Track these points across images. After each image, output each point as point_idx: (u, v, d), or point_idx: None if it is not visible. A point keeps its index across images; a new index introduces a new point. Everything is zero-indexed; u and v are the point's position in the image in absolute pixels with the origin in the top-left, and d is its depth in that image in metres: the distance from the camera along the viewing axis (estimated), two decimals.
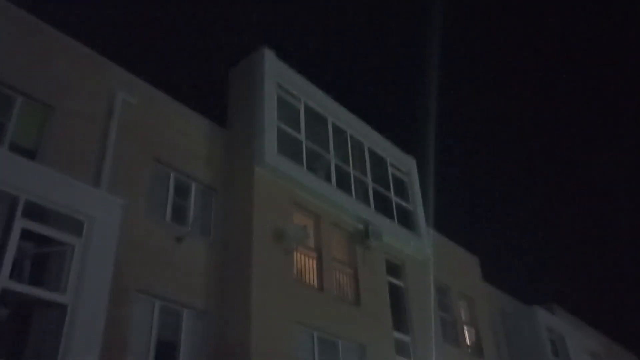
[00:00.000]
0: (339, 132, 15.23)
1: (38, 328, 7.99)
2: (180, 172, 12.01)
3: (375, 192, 15.57)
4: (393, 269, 15.39)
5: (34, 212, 8.11)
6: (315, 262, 13.02)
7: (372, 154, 16.26)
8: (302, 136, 13.74)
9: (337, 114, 15.30)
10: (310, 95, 14.57)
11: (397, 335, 14.24)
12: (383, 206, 15.67)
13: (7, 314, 7.84)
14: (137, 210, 10.51)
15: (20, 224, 7.86)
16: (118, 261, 8.93)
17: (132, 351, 9.62)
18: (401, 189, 16.96)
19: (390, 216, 15.76)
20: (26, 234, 7.93)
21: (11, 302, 7.76)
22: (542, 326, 20.68)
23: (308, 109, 14.36)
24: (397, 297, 15.00)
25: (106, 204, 9.13)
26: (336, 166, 14.46)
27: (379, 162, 16.45)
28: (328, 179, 14.07)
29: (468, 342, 17.54)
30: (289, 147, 13.16)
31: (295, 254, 12.42)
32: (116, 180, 10.38)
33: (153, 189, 11.32)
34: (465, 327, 17.70)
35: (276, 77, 13.65)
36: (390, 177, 16.62)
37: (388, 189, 16.32)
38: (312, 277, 12.81)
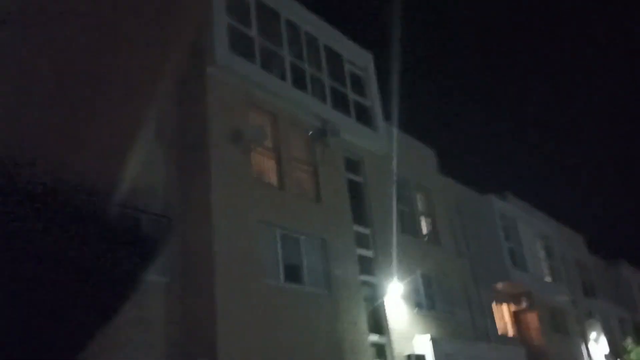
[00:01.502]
0: (292, 27, 14.74)
1: None
2: None
3: (332, 89, 15.42)
4: (352, 165, 15.59)
5: None
6: (274, 161, 13.05)
7: (328, 50, 15.90)
8: (254, 33, 13.27)
9: (290, 8, 14.75)
10: None
11: (357, 228, 14.69)
12: (341, 103, 15.59)
13: None
14: None
15: None
16: None
17: None
18: (358, 85, 16.82)
19: (348, 113, 15.73)
20: None
21: None
22: (496, 213, 21.62)
23: (259, 4, 13.76)
24: (356, 193, 15.32)
25: None
26: (291, 63, 14.15)
27: (335, 58, 16.15)
28: (283, 77, 13.80)
29: (425, 232, 18.28)
30: (241, 45, 12.74)
31: (253, 154, 12.40)
32: None
33: None
34: (422, 218, 18.36)
35: None
36: (347, 74, 16.41)
37: (345, 85, 16.16)
38: (272, 177, 12.90)
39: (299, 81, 14.19)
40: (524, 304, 22.46)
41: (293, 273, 12.24)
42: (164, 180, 11.24)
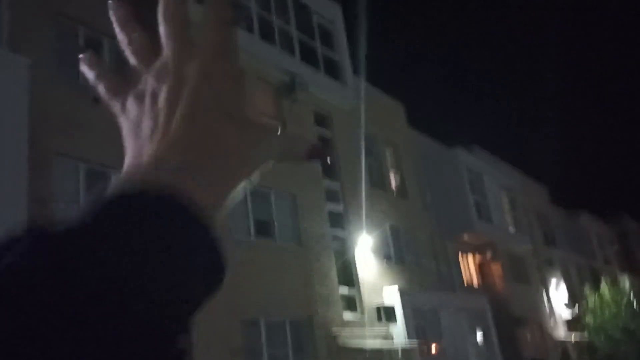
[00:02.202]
0: None
1: None
2: (89, 26, 11.10)
3: (300, 42, 15.16)
4: (321, 120, 15.51)
5: None
6: None
7: (295, 1, 15.55)
8: None
9: None
10: None
11: (327, 183, 14.74)
12: (309, 57, 15.37)
13: None
14: (45, 71, 9.78)
15: None
16: (33, 126, 8.47)
17: (60, 216, 9.48)
18: (327, 38, 16.57)
19: (317, 67, 15.54)
20: None
21: None
22: (462, 166, 21.94)
23: None
24: (325, 147, 15.28)
25: (11, 64, 8.45)
26: (258, 15, 13.81)
27: (303, 10, 15.81)
28: (250, 29, 13.48)
29: (394, 186, 18.46)
30: None
31: None
32: (17, 41, 9.48)
33: (60, 47, 10.48)
34: (391, 172, 18.51)
35: None
36: (316, 26, 16.13)
37: (314, 38, 15.90)
38: None
39: (266, 34, 13.90)
40: (488, 255, 23.11)
41: (263, 228, 12.28)
42: None
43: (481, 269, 23.13)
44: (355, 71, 17.04)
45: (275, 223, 12.57)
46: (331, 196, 14.77)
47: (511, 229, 25.23)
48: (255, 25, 13.60)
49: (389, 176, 18.30)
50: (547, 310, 26.90)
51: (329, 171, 15.08)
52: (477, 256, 23.17)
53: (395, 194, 18.28)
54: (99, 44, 11.28)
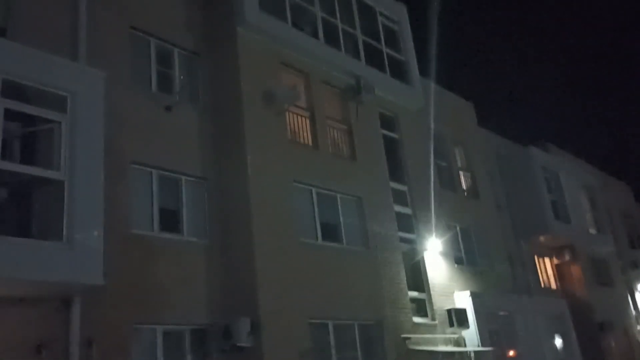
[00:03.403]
0: None
1: (39, 206, 8.18)
2: (161, 38, 11.56)
3: (365, 45, 15.11)
4: (387, 122, 15.39)
5: (14, 91, 7.93)
6: (308, 120, 12.98)
7: (360, 3, 15.52)
8: None
9: None
10: None
11: (394, 185, 14.59)
12: (374, 59, 15.28)
13: (7, 194, 8.00)
14: (121, 82, 10.26)
15: (2, 104, 7.72)
16: (108, 135, 8.89)
17: (136, 220, 9.91)
18: (392, 39, 16.42)
19: (382, 68, 15.43)
20: (10, 114, 7.83)
21: (8, 182, 7.87)
22: (537, 165, 21.14)
23: None
24: (393, 149, 15.16)
25: (87, 77, 8.91)
26: (323, 20, 13.88)
27: (367, 12, 15.76)
28: (315, 34, 13.57)
29: (464, 187, 18.04)
30: (271, 4, 12.54)
31: (287, 114, 12.35)
32: (94, 53, 10.01)
33: (134, 59, 10.96)
34: (461, 172, 18.10)
35: None
36: (381, 28, 16.02)
37: (379, 40, 15.80)
38: (306, 136, 12.85)
39: (331, 38, 13.95)
40: (567, 257, 22.16)
41: (330, 231, 12.30)
42: (200, 142, 11.34)
43: (559, 271, 22.19)
44: (423, 71, 16.82)
45: (342, 226, 12.55)
46: (399, 198, 14.60)
47: (592, 230, 24.06)
48: (320, 30, 13.67)
49: (459, 177, 17.89)
50: (634, 314, 25.44)
51: (397, 173, 14.93)
52: (555, 258, 22.26)
53: (466, 195, 17.85)
54: (169, 55, 11.72)
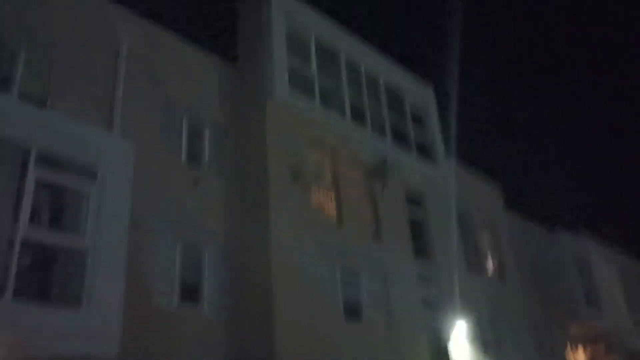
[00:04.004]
0: (352, 65, 14.85)
1: (62, 273, 8.20)
2: (193, 112, 11.92)
3: (392, 124, 15.32)
4: (413, 201, 15.32)
5: (48, 160, 8.17)
6: (333, 197, 13.00)
7: (388, 85, 15.90)
8: (314, 70, 13.45)
9: (349, 47, 14.89)
10: (321, 28, 14.16)
11: (419, 265, 14.32)
12: (401, 138, 15.45)
13: (30, 261, 8.06)
14: (151, 153, 10.52)
15: (34, 173, 7.95)
16: (136, 205, 9.03)
17: (157, 291, 9.84)
18: (419, 119, 16.66)
19: (409, 148, 15.56)
20: (42, 183, 8.03)
21: (33, 249, 7.95)
22: (567, 250, 20.63)
23: (319, 43, 13.98)
24: (418, 229, 15.00)
25: (119, 148, 9.16)
26: (350, 99, 14.20)
27: (394, 93, 16.10)
28: (343, 113, 13.85)
29: (491, 270, 17.62)
30: (301, 83, 12.92)
31: (313, 190, 12.41)
32: (128, 125, 10.35)
33: (166, 131, 11.29)
34: (488, 255, 17.73)
35: (285, 10, 13.26)
36: (407, 108, 16.30)
37: (405, 120, 16.03)
38: (331, 212, 12.82)
39: (358, 117, 14.21)
40: (601, 348, 21.12)
41: (353, 310, 12.01)
42: (225, 215, 11.40)
43: None
44: (449, 151, 16.89)
45: (366, 305, 12.25)
46: (424, 278, 14.28)
47: (628, 320, 23.01)
48: (348, 109, 13.95)
49: (486, 259, 17.51)
50: None
51: (422, 253, 14.69)
52: (589, 349, 21.22)
53: (493, 278, 17.39)
54: (200, 127, 12.04)
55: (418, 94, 16.93)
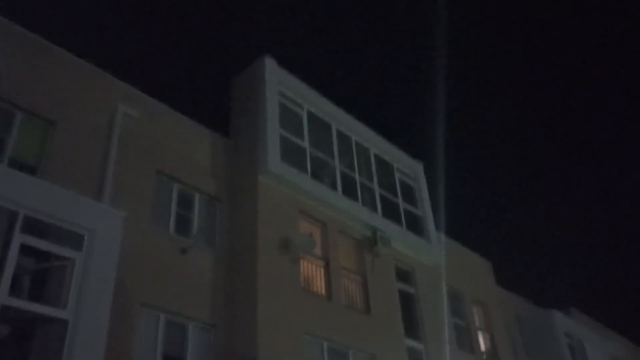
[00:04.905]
0: (343, 138, 15.09)
1: (40, 344, 7.87)
2: (184, 183, 11.92)
3: (382, 198, 15.38)
4: (403, 276, 15.16)
5: (34, 227, 8.04)
6: (323, 270, 12.84)
7: (378, 159, 16.09)
8: (305, 144, 13.62)
9: (341, 120, 15.17)
10: (313, 102, 14.47)
11: (410, 343, 13.98)
12: (391, 212, 15.47)
13: (8, 331, 7.77)
14: (140, 223, 10.42)
15: (19, 239, 7.79)
16: (121, 274, 8.84)
17: None
18: (409, 194, 16.75)
19: (399, 222, 15.55)
20: (26, 249, 7.87)
21: (12, 318, 7.68)
22: (560, 330, 20.26)
23: (311, 116, 14.25)
24: (408, 304, 14.75)
25: (107, 216, 9.05)
26: (342, 173, 14.31)
27: (385, 168, 16.27)
28: (334, 186, 13.91)
29: (483, 348, 17.21)
30: (293, 155, 13.05)
31: (302, 263, 12.26)
32: (119, 194, 10.31)
33: (156, 200, 11.24)
34: (479, 333, 17.38)
35: (278, 85, 13.58)
36: (398, 183, 16.43)
37: (396, 194, 16.12)
38: (320, 286, 12.62)
39: (349, 190, 14.27)
40: None
41: None
42: (212, 287, 11.17)
43: None
44: (439, 226, 16.89)
45: None
46: (414, 357, 13.90)
47: None
48: (339, 182, 14.03)
49: (477, 337, 17.14)
50: None
51: (412, 330, 14.37)
52: None
53: (485, 357, 16.96)
54: (190, 198, 12.00)
55: (408, 169, 17.13)
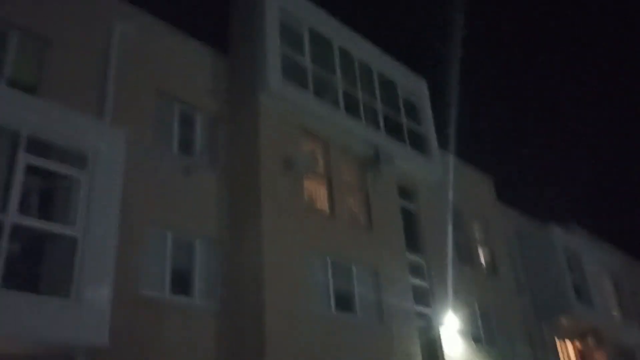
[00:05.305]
0: (345, 55, 14.77)
1: (50, 261, 8.13)
2: (185, 102, 11.84)
3: (385, 116, 15.28)
4: (405, 193, 15.31)
5: (38, 147, 8.08)
6: (325, 188, 12.97)
7: (381, 76, 15.84)
8: (307, 61, 13.37)
9: (343, 37, 14.82)
10: (315, 18, 14.08)
11: (411, 257, 14.32)
12: (394, 130, 15.40)
13: (20, 248, 7.98)
14: (142, 143, 10.45)
15: (24, 159, 7.86)
16: (127, 194, 8.95)
17: (147, 282, 9.79)
18: (412, 111, 16.62)
19: (402, 140, 15.52)
20: (31, 169, 7.95)
21: (22, 236, 7.87)
22: (558, 244, 20.67)
23: (313, 33, 13.90)
24: (410, 221, 15.00)
25: (110, 135, 9.07)
26: (344, 90, 14.13)
27: (388, 85, 16.05)
28: (336, 104, 13.79)
29: (483, 262, 17.66)
30: (294, 73, 12.85)
31: (305, 180, 12.36)
32: (119, 114, 10.27)
33: (157, 120, 11.21)
34: (479, 248, 17.77)
35: (278, 0, 13.17)
36: (401, 100, 16.26)
37: (398, 112, 15.99)
38: (323, 204, 12.79)
39: (351, 108, 14.15)
40: (590, 342, 21.24)
41: (344, 302, 12.00)
42: (217, 205, 11.34)
43: (582, 356, 21.22)
44: (442, 144, 16.87)
45: (357, 298, 12.24)
46: (416, 271, 14.30)
47: (617, 315, 23.16)
48: (341, 100, 13.89)
49: (477, 252, 17.55)
50: None
51: (414, 245, 14.70)
52: (578, 342, 21.34)
53: (485, 271, 17.43)
54: (192, 118, 11.96)
55: (411, 86, 16.89)
